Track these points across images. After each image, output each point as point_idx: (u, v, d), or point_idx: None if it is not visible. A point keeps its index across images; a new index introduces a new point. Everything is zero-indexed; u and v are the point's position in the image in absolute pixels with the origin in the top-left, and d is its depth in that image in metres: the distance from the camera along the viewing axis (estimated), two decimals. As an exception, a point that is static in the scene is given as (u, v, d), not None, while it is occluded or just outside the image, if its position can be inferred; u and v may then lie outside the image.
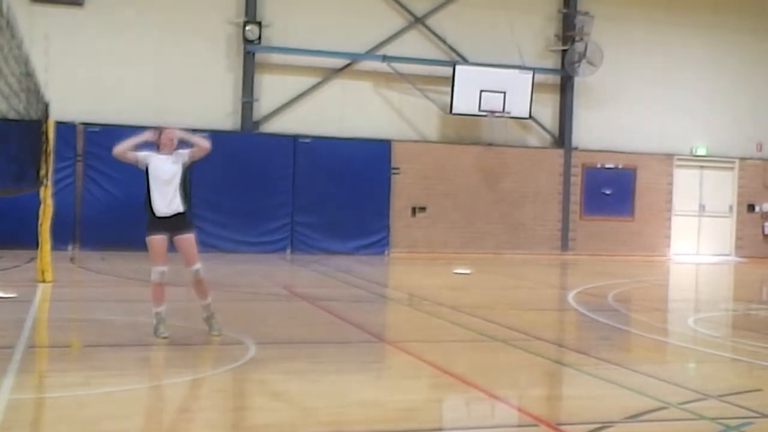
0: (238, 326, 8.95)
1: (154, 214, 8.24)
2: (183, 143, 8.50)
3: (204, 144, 8.48)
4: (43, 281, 12.09)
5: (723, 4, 22.76)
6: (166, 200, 8.22)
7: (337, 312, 10.40)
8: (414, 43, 20.63)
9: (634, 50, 22.16)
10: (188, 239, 8.36)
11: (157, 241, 8.26)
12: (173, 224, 8.27)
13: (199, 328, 9.02)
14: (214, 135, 19.00)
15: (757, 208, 23.13)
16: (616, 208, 22.01)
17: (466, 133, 21.00)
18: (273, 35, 19.70)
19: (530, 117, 21.04)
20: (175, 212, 8.26)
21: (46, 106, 12.59)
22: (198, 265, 8.38)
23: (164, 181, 8.23)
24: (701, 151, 22.88)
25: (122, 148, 8.33)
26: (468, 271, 16.11)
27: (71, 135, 17.89)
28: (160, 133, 8.43)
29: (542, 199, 21.40)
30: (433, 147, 20.67)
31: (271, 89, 19.76)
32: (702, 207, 23.01)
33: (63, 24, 18.29)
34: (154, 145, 8.41)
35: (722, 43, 22.87)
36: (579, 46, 21.27)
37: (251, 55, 19.44)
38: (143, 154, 8.34)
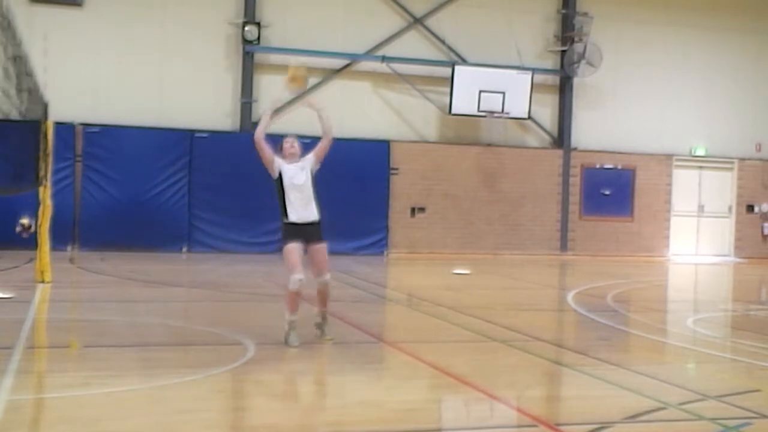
0: (237, 326, 8.95)
1: (290, 221, 8.38)
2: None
3: (329, 131, 8.67)
4: (43, 282, 12.09)
5: (722, 5, 22.78)
6: (302, 206, 8.47)
7: (337, 312, 10.39)
8: (413, 44, 20.64)
9: (633, 51, 22.17)
10: (322, 249, 8.54)
11: (294, 248, 8.27)
12: (309, 233, 8.45)
13: (199, 328, 9.02)
14: (213, 135, 19.21)
15: (756, 209, 23.15)
16: (615, 208, 22.02)
17: (465, 133, 21.01)
18: (272, 36, 19.71)
19: (529, 117, 21.05)
20: (311, 220, 8.51)
21: (46, 106, 12.59)
22: (328, 276, 8.43)
23: (298, 187, 8.43)
24: (700, 152, 22.90)
25: (260, 130, 8.37)
26: (467, 272, 16.11)
27: (70, 135, 17.89)
28: (282, 145, 8.49)
29: (541, 200, 21.41)
30: (433, 147, 20.68)
31: (271, 90, 19.75)
32: (701, 207, 23.03)
33: (62, 24, 18.29)
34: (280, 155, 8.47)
35: (721, 44, 22.89)
36: (578, 47, 21.28)
37: (250, 56, 19.45)
38: (278, 161, 8.39)
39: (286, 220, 8.37)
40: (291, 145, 8.45)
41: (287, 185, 8.35)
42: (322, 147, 8.67)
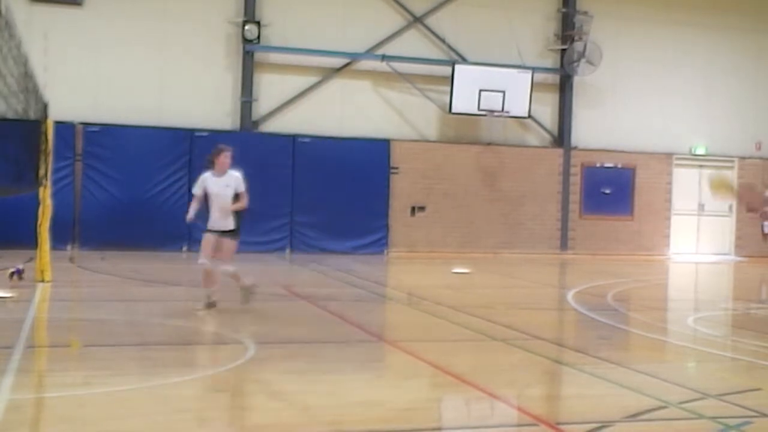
0: (237, 326, 8.95)
1: (208, 228, 10.12)
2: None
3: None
4: (43, 281, 12.08)
5: (722, 3, 22.76)
6: (221, 217, 10.03)
7: (337, 312, 10.40)
8: (413, 43, 20.63)
9: (633, 49, 22.16)
10: (230, 243, 10.13)
11: (208, 238, 10.00)
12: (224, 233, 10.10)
13: (199, 328, 9.04)
14: (214, 135, 19.18)
15: (756, 208, 23.10)
16: (616, 207, 22.01)
17: (465, 132, 21.00)
18: (272, 35, 19.70)
19: (529, 116, 21.05)
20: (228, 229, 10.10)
21: (45, 105, 12.58)
22: (230, 268, 10.12)
23: (221, 198, 9.96)
24: (700, 150, 22.89)
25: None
26: (467, 271, 16.10)
27: (70, 135, 17.89)
28: (217, 153, 10.05)
29: (541, 199, 21.40)
30: (433, 146, 20.67)
31: (270, 89, 19.76)
32: (701, 206, 23.02)
33: (62, 24, 18.28)
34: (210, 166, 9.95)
35: (721, 42, 22.88)
36: (578, 46, 21.28)
37: (250, 55, 19.45)
38: (203, 179, 10.03)
39: (205, 227, 9.99)
40: (226, 156, 9.97)
41: (212, 195, 9.95)
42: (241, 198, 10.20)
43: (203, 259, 9.88)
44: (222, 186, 9.87)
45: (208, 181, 9.91)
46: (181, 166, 18.76)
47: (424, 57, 20.56)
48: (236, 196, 9.99)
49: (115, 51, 18.68)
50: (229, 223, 9.99)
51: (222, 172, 9.92)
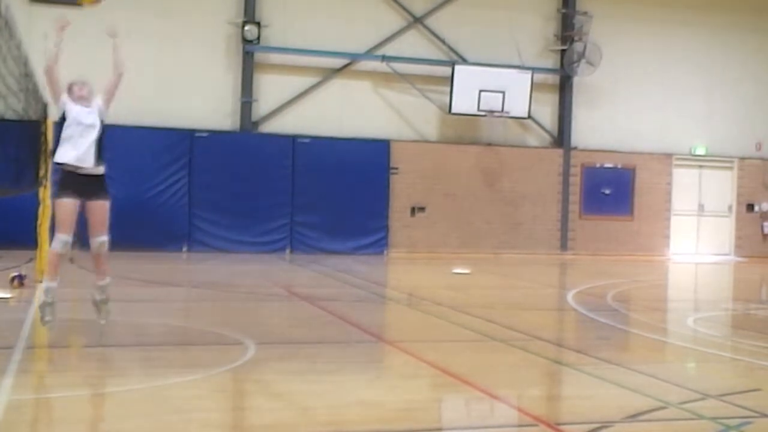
0: (237, 326, 8.95)
1: (63, 161, 7.62)
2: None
3: (121, 65, 8.07)
4: (43, 281, 12.07)
5: (722, 3, 22.76)
6: (83, 149, 7.61)
7: (337, 312, 10.40)
8: (413, 43, 20.64)
9: (633, 50, 22.16)
10: (102, 206, 7.78)
11: (67, 204, 7.58)
12: (88, 185, 7.70)
13: (199, 328, 9.03)
14: (213, 135, 19.20)
15: (756, 208, 23.14)
16: (616, 207, 22.02)
17: (465, 133, 21.00)
18: (272, 35, 19.70)
19: (529, 117, 21.05)
20: (93, 173, 7.69)
21: (45, 106, 12.58)
22: (105, 237, 7.79)
23: (84, 127, 7.70)
24: (700, 151, 22.90)
25: (52, 57, 7.79)
26: (467, 271, 16.10)
27: (70, 135, 17.86)
28: (70, 87, 7.89)
29: (541, 199, 21.41)
30: (433, 147, 20.67)
31: (270, 89, 19.77)
32: (701, 206, 23.02)
33: (62, 24, 18.26)
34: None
35: (721, 43, 22.88)
36: (578, 46, 21.28)
37: (250, 55, 19.45)
38: (65, 100, 7.81)
39: (58, 161, 7.57)
40: (80, 88, 7.90)
41: (70, 124, 7.67)
42: (109, 85, 8.05)
43: (66, 234, 7.54)
44: (86, 114, 7.82)
45: (69, 105, 7.83)
46: (181, 166, 18.78)
47: (424, 57, 20.57)
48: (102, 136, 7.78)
49: (115, 51, 18.65)
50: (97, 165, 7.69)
51: (87, 102, 7.92)
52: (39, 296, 7.62)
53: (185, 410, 5.73)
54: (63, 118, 7.74)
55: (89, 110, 7.80)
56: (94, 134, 7.70)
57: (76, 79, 7.97)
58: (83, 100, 7.83)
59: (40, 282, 12.00)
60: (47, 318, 7.72)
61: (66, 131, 7.65)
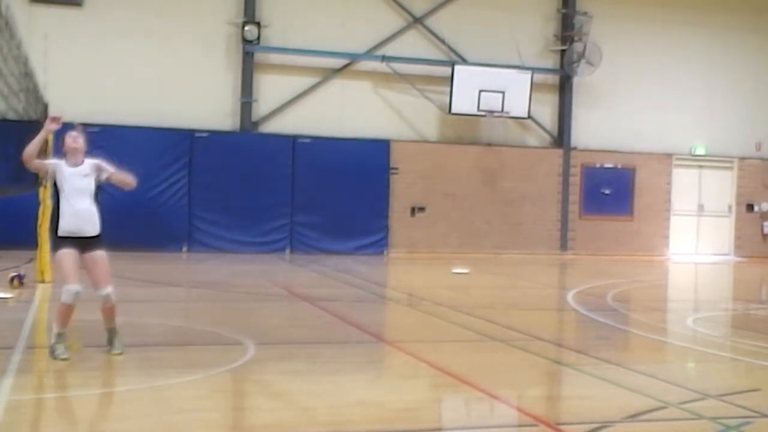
0: (237, 326, 8.95)
1: (62, 234, 7.29)
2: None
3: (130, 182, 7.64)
4: (43, 281, 12.08)
5: (722, 3, 22.77)
6: (84, 218, 7.30)
7: (337, 312, 10.40)
8: (413, 43, 20.64)
9: (632, 50, 22.16)
10: (101, 257, 7.40)
11: (68, 254, 7.24)
12: (85, 244, 7.33)
13: (199, 328, 9.03)
14: (214, 135, 19.20)
15: (756, 208, 23.14)
16: (615, 207, 22.02)
17: (465, 133, 21.00)
18: (272, 35, 19.71)
19: (529, 117, 21.05)
20: (91, 235, 7.34)
21: (45, 106, 12.59)
22: (110, 289, 7.42)
23: (80, 191, 7.29)
24: (700, 151, 22.90)
25: (32, 149, 7.16)
26: (467, 271, 16.11)
27: (70, 135, 17.86)
28: (64, 139, 7.38)
29: (541, 199, 21.41)
30: (432, 147, 20.67)
31: (270, 89, 19.77)
32: (701, 207, 23.03)
33: (62, 24, 18.29)
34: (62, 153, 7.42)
35: (721, 43, 22.88)
36: (578, 46, 21.28)
37: (250, 56, 19.45)
38: (56, 164, 7.36)
39: (62, 235, 7.24)
40: (74, 140, 7.34)
41: (65, 190, 7.26)
42: (117, 180, 7.60)
43: (75, 284, 7.16)
44: (79, 176, 7.29)
45: (61, 167, 7.31)
46: (181, 166, 18.79)
47: (423, 57, 20.57)
48: (99, 189, 7.44)
49: (114, 51, 18.67)
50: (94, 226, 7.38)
51: (77, 161, 7.35)
52: (49, 338, 7.33)
53: (185, 410, 5.73)
54: (55, 185, 7.32)
55: (84, 173, 7.32)
56: (90, 194, 7.33)
57: (70, 131, 7.44)
58: (76, 153, 7.34)
59: (41, 282, 12.03)
60: (60, 354, 7.17)
61: (63, 201, 7.28)
